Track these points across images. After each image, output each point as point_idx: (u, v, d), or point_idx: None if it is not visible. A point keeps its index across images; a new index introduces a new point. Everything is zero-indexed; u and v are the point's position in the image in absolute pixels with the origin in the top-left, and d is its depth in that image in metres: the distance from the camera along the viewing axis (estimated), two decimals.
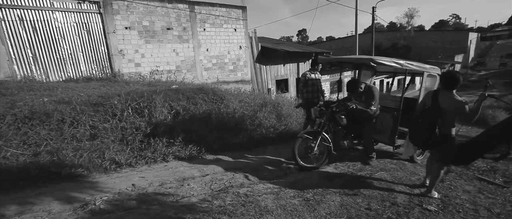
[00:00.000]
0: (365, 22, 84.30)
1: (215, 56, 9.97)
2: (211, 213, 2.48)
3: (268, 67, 12.16)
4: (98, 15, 7.62)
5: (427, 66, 4.07)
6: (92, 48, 7.58)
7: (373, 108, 3.74)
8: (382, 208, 2.82)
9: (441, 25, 60.72)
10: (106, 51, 7.76)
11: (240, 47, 10.62)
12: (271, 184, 3.27)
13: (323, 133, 3.71)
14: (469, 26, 59.93)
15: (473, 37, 42.14)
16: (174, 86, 6.05)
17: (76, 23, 7.32)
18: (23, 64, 6.66)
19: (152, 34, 8.48)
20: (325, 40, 62.96)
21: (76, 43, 7.34)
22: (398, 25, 45.14)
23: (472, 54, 44.12)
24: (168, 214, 2.41)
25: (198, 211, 2.48)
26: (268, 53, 11.77)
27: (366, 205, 2.86)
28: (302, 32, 71.74)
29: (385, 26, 56.20)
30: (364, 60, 4.05)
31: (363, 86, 3.96)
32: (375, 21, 16.66)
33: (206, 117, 4.97)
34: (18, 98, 4.25)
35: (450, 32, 43.53)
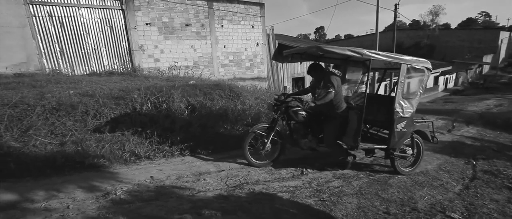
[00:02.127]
0: (386, 20, 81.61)
1: (232, 52, 10.00)
2: (227, 209, 2.49)
3: (285, 64, 12.05)
4: (121, 11, 7.85)
5: (407, 57, 3.41)
6: (114, 44, 7.84)
7: (331, 90, 3.24)
8: (402, 213, 2.72)
9: (469, 24, 57.35)
10: (127, 46, 8.00)
11: (257, 44, 10.58)
12: (286, 182, 3.24)
13: (277, 129, 3.57)
14: (500, 25, 56.25)
15: (504, 36, 39.54)
16: (191, 82, 6.14)
17: (100, 19, 7.58)
18: (51, 58, 7.01)
19: (171, 30, 8.64)
20: (343, 38, 61.53)
21: (99, 39, 7.62)
22: (422, 23, 43.25)
23: (503, 54, 41.47)
24: (184, 207, 2.45)
25: (214, 207, 2.51)
26: (285, 50, 11.64)
27: (385, 209, 2.77)
28: (319, 30, 70.52)
29: (407, 24, 54.05)
30: (308, 49, 3.46)
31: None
32: (397, 19, 16.04)
33: (222, 113, 5.00)
34: (46, 90, 4.47)
35: (479, 30, 41.12)
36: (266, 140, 3.51)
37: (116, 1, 7.73)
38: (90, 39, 7.47)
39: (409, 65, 3.40)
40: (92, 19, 7.43)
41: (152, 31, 8.33)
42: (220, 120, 4.82)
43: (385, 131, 3.87)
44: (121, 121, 4.19)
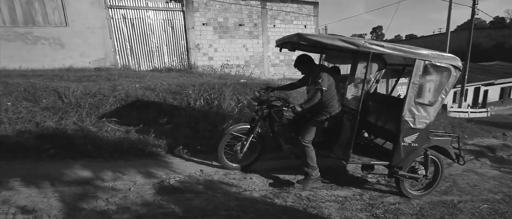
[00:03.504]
0: (458, 18, 71.27)
1: (283, 52, 9.93)
2: (271, 212, 2.45)
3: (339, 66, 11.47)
4: (181, 12, 8.47)
5: (425, 51, 2.66)
6: (174, 42, 8.51)
7: (324, 88, 2.75)
8: None
9: None
10: (185, 45, 8.60)
11: None
12: (335, 191, 3.05)
13: (258, 130, 3.20)
14: None
15: None
16: (242, 80, 6.27)
17: (163, 20, 8.31)
18: (123, 55, 7.96)
19: (225, 30, 8.98)
20: (404, 38, 55.97)
21: (162, 38, 8.36)
22: (508, 21, 36.55)
23: None
24: (231, 204, 2.48)
25: (259, 208, 2.49)
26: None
27: None
28: (377, 30, 65.46)
29: (487, 22, 46.38)
30: (290, 38, 2.78)
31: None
32: (475, 16, 13.81)
33: None
34: (118, 83, 5.07)
35: None
36: (245, 143, 3.16)
37: (178, 3, 8.36)
38: (154, 39, 8.25)
39: (427, 62, 2.67)
40: (157, 20, 8.19)
41: (207, 30, 8.79)
42: None
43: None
44: (176, 115, 4.50)
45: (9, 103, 3.98)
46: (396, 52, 2.59)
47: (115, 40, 7.77)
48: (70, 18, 7.17)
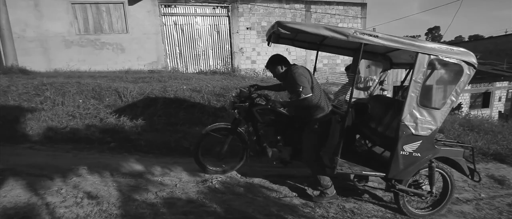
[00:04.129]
0: None
1: (326, 56, 9.63)
2: None
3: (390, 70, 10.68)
4: (226, 18, 8.80)
5: (430, 44, 2.27)
6: (219, 46, 8.88)
7: (307, 95, 2.41)
8: None
9: None
10: (229, 49, 8.90)
11: None
12: (383, 207, 2.81)
13: (240, 130, 2.95)
14: None
15: None
16: None
17: (210, 26, 8.73)
18: (173, 59, 8.58)
19: None
20: (467, 40, 49.72)
21: (208, 42, 8.79)
22: None
23: None
24: (270, 209, 2.46)
25: (299, 215, 2.42)
26: None
27: None
28: (433, 31, 59.39)
29: None
30: (272, 28, 2.39)
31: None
32: None
33: None
34: (168, 84, 5.47)
35: None
36: (224, 144, 2.95)
37: (224, 9, 8.71)
38: (201, 43, 8.73)
39: (433, 57, 2.28)
40: (204, 25, 8.65)
41: (251, 34, 8.97)
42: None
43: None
44: (219, 116, 4.66)
45: (80, 101, 4.59)
46: (392, 44, 2.22)
47: (166, 45, 8.42)
48: (130, 25, 8.00)
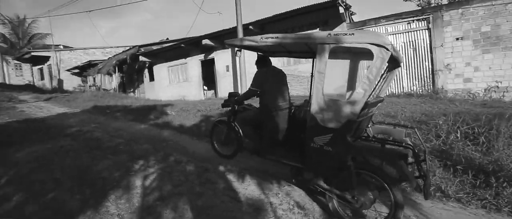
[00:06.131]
0: None
1: None
2: None
3: None
4: (426, 31, 7.54)
5: (325, 33, 2.23)
6: (415, 65, 7.71)
7: (252, 88, 3.10)
8: None
9: None
10: (429, 66, 7.49)
11: None
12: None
13: (234, 124, 3.50)
14: None
15: None
16: None
17: (404, 43, 7.84)
18: None
19: (494, 40, 6.70)
20: None
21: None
22: None
23: None
24: None
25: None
26: None
27: None
28: None
29: None
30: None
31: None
32: None
33: None
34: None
35: None
36: (223, 134, 3.70)
37: (423, 22, 7.55)
38: None
39: (331, 44, 2.20)
40: (397, 44, 7.91)
41: (463, 46, 7.06)
42: None
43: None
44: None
45: None
46: (287, 41, 2.50)
47: None
48: None
